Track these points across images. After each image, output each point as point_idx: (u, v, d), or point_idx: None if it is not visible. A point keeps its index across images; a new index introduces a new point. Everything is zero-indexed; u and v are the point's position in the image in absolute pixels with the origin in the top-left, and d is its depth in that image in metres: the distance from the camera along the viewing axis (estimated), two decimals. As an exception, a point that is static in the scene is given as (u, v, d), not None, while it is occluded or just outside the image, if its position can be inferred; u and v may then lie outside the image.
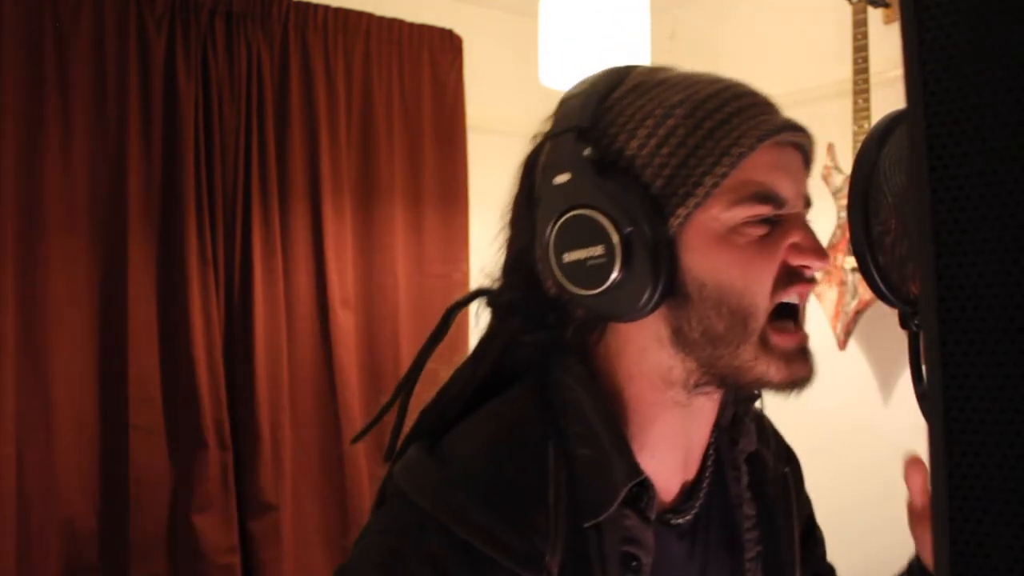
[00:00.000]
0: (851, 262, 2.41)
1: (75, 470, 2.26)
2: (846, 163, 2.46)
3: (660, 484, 0.74)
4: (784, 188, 0.69)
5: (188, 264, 2.40)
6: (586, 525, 0.68)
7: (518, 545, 0.65)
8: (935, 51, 0.32)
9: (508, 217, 0.78)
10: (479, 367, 0.77)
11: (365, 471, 2.64)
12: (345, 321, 2.69)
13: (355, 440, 0.86)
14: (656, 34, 2.20)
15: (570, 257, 0.68)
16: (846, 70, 2.38)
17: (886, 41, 2.40)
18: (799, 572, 0.83)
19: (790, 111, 0.74)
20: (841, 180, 2.47)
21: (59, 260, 2.27)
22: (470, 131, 2.98)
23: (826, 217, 2.50)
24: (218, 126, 2.48)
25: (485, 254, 0.81)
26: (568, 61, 2.05)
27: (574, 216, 0.68)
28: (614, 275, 0.66)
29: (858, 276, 2.37)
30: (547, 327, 0.75)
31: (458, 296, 0.81)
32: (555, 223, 0.69)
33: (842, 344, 2.47)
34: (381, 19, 2.80)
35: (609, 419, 0.71)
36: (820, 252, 0.70)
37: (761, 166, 0.68)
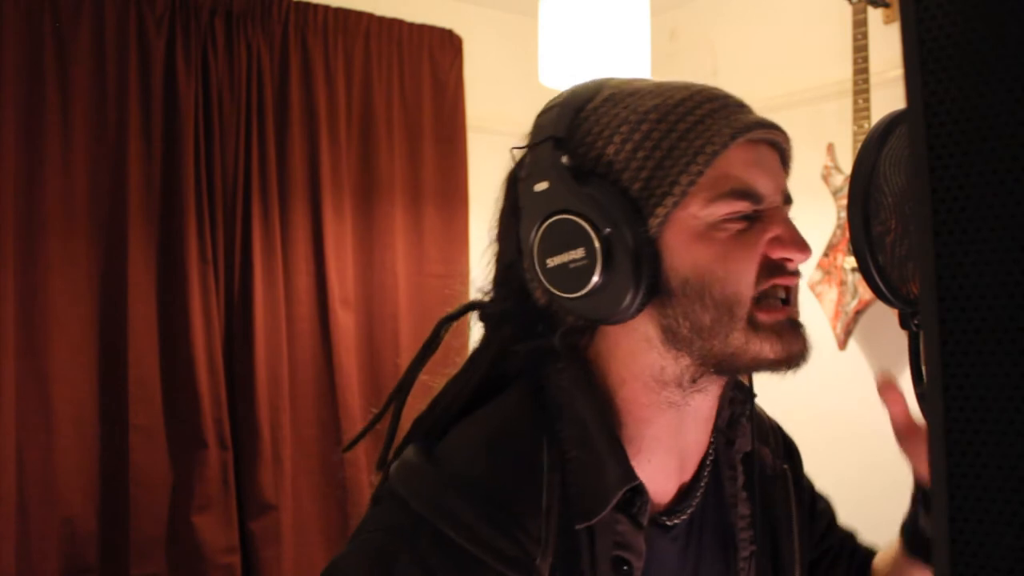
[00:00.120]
0: (851, 262, 2.41)
1: (75, 470, 2.26)
2: (846, 163, 2.46)
3: (655, 488, 0.74)
4: (761, 184, 0.70)
5: (188, 264, 2.40)
6: (578, 527, 0.68)
7: (508, 548, 0.66)
8: (935, 51, 0.32)
9: (495, 231, 0.79)
10: (472, 376, 0.78)
11: (365, 471, 2.64)
12: (345, 321, 2.69)
13: (345, 450, 0.88)
14: (656, 34, 2.20)
15: (553, 262, 0.69)
16: (846, 70, 2.38)
17: (886, 41, 2.40)
18: (800, 570, 0.84)
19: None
20: (841, 180, 2.47)
21: (59, 260, 2.27)
22: (470, 131, 2.98)
23: (826, 217, 2.50)
24: (218, 126, 2.48)
25: (485, 254, 0.81)
26: (568, 61, 2.05)
27: (555, 221, 0.69)
28: (596, 277, 0.67)
29: (858, 276, 2.37)
30: (538, 336, 0.76)
31: (458, 298, 0.82)
32: (537, 230, 0.70)
33: (842, 344, 2.47)
34: (381, 19, 2.80)
35: (604, 422, 0.72)
36: (801, 245, 0.70)
37: (736, 163, 0.69)
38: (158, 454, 2.36)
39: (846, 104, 2.40)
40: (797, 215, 0.75)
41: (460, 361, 0.80)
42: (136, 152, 2.36)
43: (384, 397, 0.80)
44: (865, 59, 2.32)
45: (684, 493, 0.78)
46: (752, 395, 0.82)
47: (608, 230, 0.67)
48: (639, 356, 0.72)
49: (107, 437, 2.32)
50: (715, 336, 0.69)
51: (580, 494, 0.69)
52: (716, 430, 0.80)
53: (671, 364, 0.71)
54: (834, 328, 2.47)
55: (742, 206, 0.69)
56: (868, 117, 2.30)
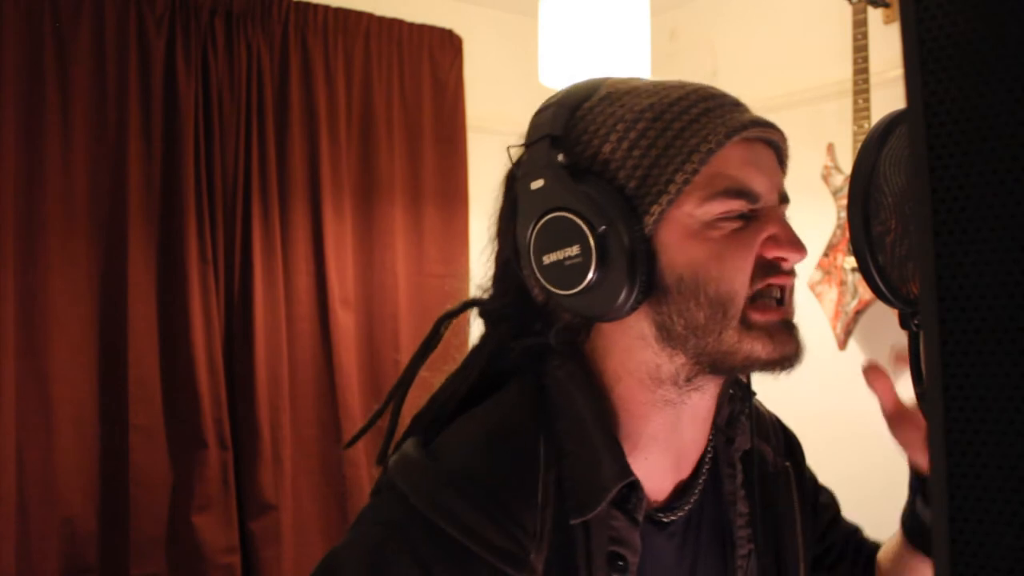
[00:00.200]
0: (851, 262, 2.41)
1: (75, 470, 2.26)
2: (846, 163, 2.46)
3: (652, 485, 0.75)
4: (756, 183, 0.70)
5: (188, 264, 2.40)
6: (573, 522, 0.68)
7: (502, 542, 0.66)
8: (935, 51, 0.32)
9: (494, 229, 0.79)
10: (470, 373, 0.79)
11: (365, 471, 2.64)
12: (345, 321, 2.69)
13: (346, 447, 0.88)
14: (656, 34, 2.20)
15: (549, 259, 0.70)
16: (846, 70, 2.38)
17: (886, 41, 2.40)
18: (804, 568, 0.84)
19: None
20: (841, 180, 2.47)
21: (59, 260, 2.27)
22: (470, 131, 2.98)
23: (826, 217, 2.50)
24: (218, 126, 2.48)
25: (485, 252, 0.82)
26: (568, 61, 2.05)
27: (550, 219, 0.69)
28: (591, 274, 0.67)
29: (858, 276, 2.37)
30: (536, 332, 0.76)
31: (458, 296, 0.83)
32: (533, 227, 0.71)
33: (842, 344, 2.47)
34: (381, 19, 2.80)
35: (601, 418, 0.72)
36: (796, 244, 0.70)
37: (732, 162, 0.69)
38: (158, 454, 2.36)
39: (846, 104, 2.40)
40: (797, 215, 0.75)
41: (460, 358, 0.81)
42: (136, 152, 2.36)
43: (384, 397, 0.81)
44: (865, 59, 2.32)
45: (681, 490, 0.78)
46: (751, 393, 0.82)
47: (603, 228, 0.67)
48: (634, 353, 0.72)
49: (107, 437, 2.32)
50: (709, 334, 0.69)
51: (576, 490, 0.69)
52: (715, 428, 0.81)
53: (666, 362, 0.72)
54: (834, 328, 2.47)
55: (737, 205, 0.69)
56: (868, 117, 2.30)
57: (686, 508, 0.77)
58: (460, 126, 2.97)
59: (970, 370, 0.32)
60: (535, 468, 0.69)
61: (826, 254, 2.50)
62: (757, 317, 0.69)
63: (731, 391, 0.81)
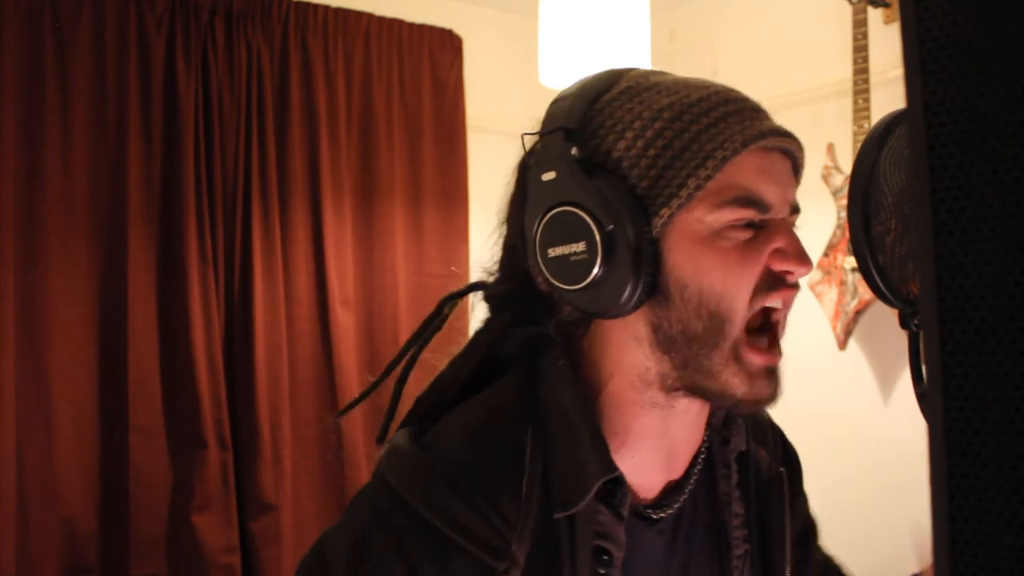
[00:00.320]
0: (851, 262, 2.41)
1: (75, 470, 2.26)
2: (846, 163, 2.46)
3: (640, 482, 0.75)
4: (769, 193, 0.69)
5: (188, 264, 2.40)
6: (556, 516, 0.69)
7: (484, 533, 0.66)
8: (935, 51, 0.32)
9: (504, 214, 0.79)
10: (470, 359, 0.79)
11: (365, 471, 2.64)
12: (345, 321, 2.69)
13: (340, 414, 0.89)
14: (656, 34, 2.20)
15: (554, 252, 0.70)
16: (846, 70, 2.38)
17: (886, 41, 2.40)
18: (790, 572, 0.83)
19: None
20: (841, 180, 2.47)
21: (59, 260, 2.27)
22: (470, 131, 2.99)
23: (826, 217, 2.50)
24: (218, 126, 2.48)
25: (485, 254, 0.82)
26: (568, 61, 2.05)
27: (559, 212, 0.69)
28: (595, 271, 0.67)
29: (858, 276, 2.37)
30: (537, 322, 0.76)
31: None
32: (541, 219, 0.70)
33: (842, 344, 2.47)
34: (381, 19, 2.80)
35: (588, 414, 0.72)
36: (803, 258, 0.70)
37: (746, 170, 0.69)
38: (158, 454, 2.36)
39: (846, 104, 2.40)
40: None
41: (463, 341, 0.81)
42: (136, 152, 2.36)
43: (384, 397, 0.81)
44: (865, 59, 2.32)
45: (673, 489, 0.78)
46: None
47: (611, 227, 0.67)
48: (627, 353, 0.72)
49: (107, 437, 2.32)
50: (702, 347, 0.69)
51: (561, 484, 0.70)
52: (711, 428, 0.81)
53: (654, 366, 0.72)
54: (834, 328, 2.47)
55: (748, 214, 0.68)
56: (868, 117, 2.30)
57: (675, 506, 0.77)
58: (460, 126, 2.97)
59: (970, 370, 0.32)
60: (521, 459, 0.70)
61: (826, 254, 2.50)
62: (748, 356, 0.69)
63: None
